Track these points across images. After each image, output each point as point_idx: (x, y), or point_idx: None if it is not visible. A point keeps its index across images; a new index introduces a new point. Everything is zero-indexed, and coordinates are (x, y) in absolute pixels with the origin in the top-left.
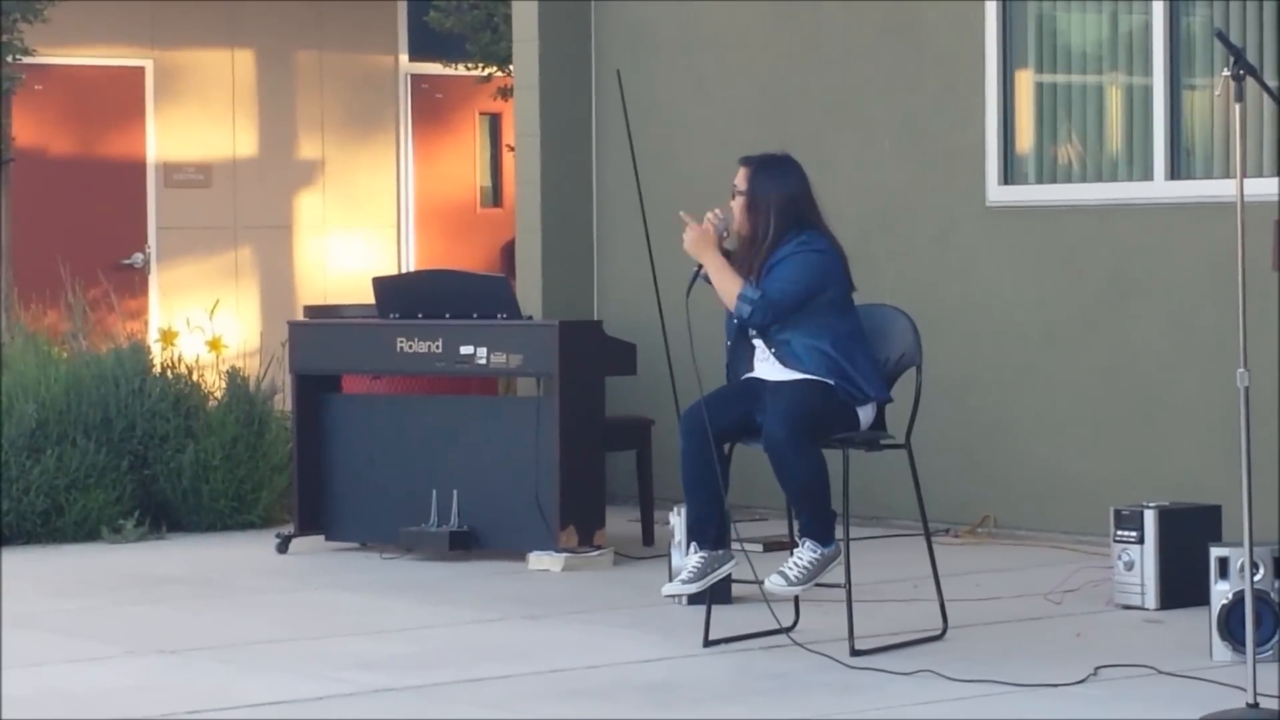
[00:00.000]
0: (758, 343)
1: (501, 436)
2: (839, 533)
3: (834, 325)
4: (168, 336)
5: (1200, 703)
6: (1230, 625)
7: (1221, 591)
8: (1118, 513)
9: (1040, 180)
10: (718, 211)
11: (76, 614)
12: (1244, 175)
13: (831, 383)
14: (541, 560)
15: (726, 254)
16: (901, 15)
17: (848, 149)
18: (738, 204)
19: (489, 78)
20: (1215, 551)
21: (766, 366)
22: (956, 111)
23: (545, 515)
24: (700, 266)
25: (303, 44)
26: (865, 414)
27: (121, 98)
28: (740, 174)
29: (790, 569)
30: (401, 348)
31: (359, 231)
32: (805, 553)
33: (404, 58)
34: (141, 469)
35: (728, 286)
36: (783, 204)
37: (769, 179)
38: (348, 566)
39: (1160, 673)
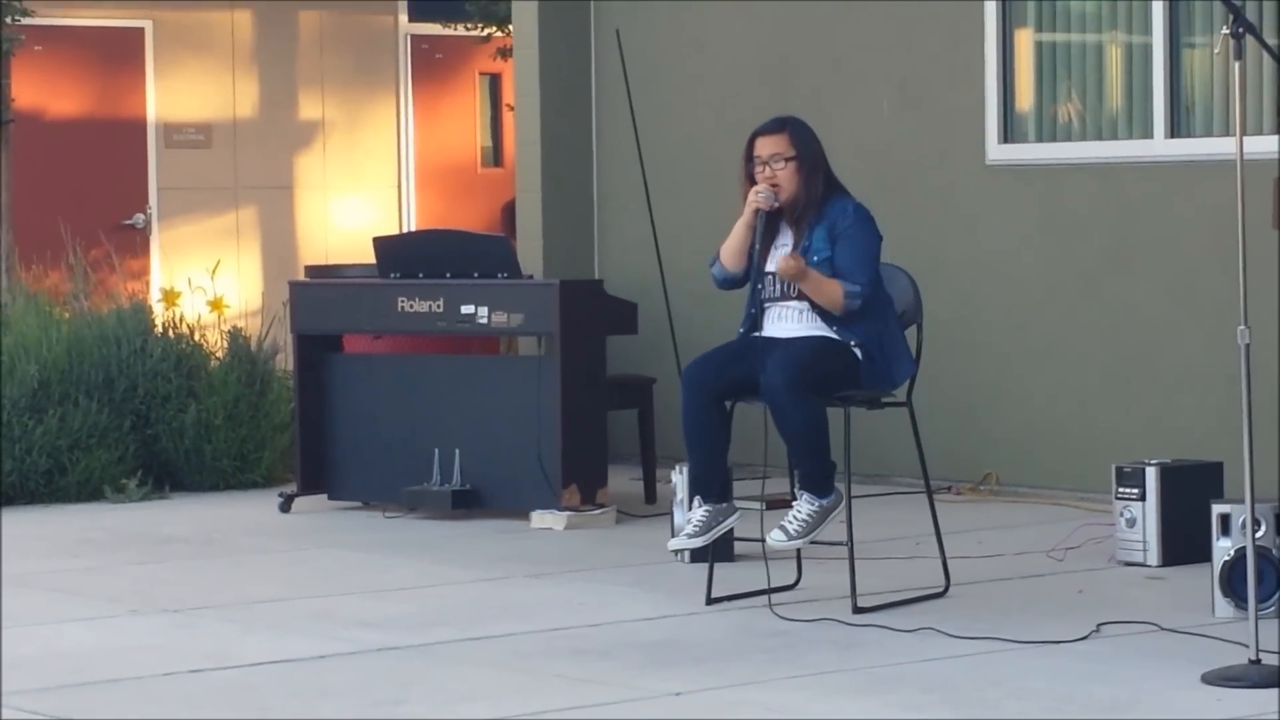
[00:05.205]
0: (774, 305)
1: (503, 395)
2: (842, 490)
3: (881, 293)
4: (169, 297)
5: (1202, 659)
6: (1232, 582)
7: (1223, 548)
8: (1119, 470)
9: (1040, 139)
10: (759, 190)
11: (79, 574)
12: (1244, 133)
13: (854, 348)
14: (544, 519)
15: (768, 221)
16: None
17: (848, 108)
18: (790, 170)
19: (488, 38)
20: (1217, 508)
21: (780, 325)
22: (956, 70)
23: (547, 474)
24: (765, 212)
25: (302, 4)
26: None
27: (121, 58)
28: (776, 142)
29: (790, 523)
30: (403, 307)
31: (360, 191)
32: (803, 505)
33: (404, 18)
34: (144, 429)
35: (828, 291)
36: (823, 160)
37: (809, 139)
38: (350, 526)
39: (1162, 629)
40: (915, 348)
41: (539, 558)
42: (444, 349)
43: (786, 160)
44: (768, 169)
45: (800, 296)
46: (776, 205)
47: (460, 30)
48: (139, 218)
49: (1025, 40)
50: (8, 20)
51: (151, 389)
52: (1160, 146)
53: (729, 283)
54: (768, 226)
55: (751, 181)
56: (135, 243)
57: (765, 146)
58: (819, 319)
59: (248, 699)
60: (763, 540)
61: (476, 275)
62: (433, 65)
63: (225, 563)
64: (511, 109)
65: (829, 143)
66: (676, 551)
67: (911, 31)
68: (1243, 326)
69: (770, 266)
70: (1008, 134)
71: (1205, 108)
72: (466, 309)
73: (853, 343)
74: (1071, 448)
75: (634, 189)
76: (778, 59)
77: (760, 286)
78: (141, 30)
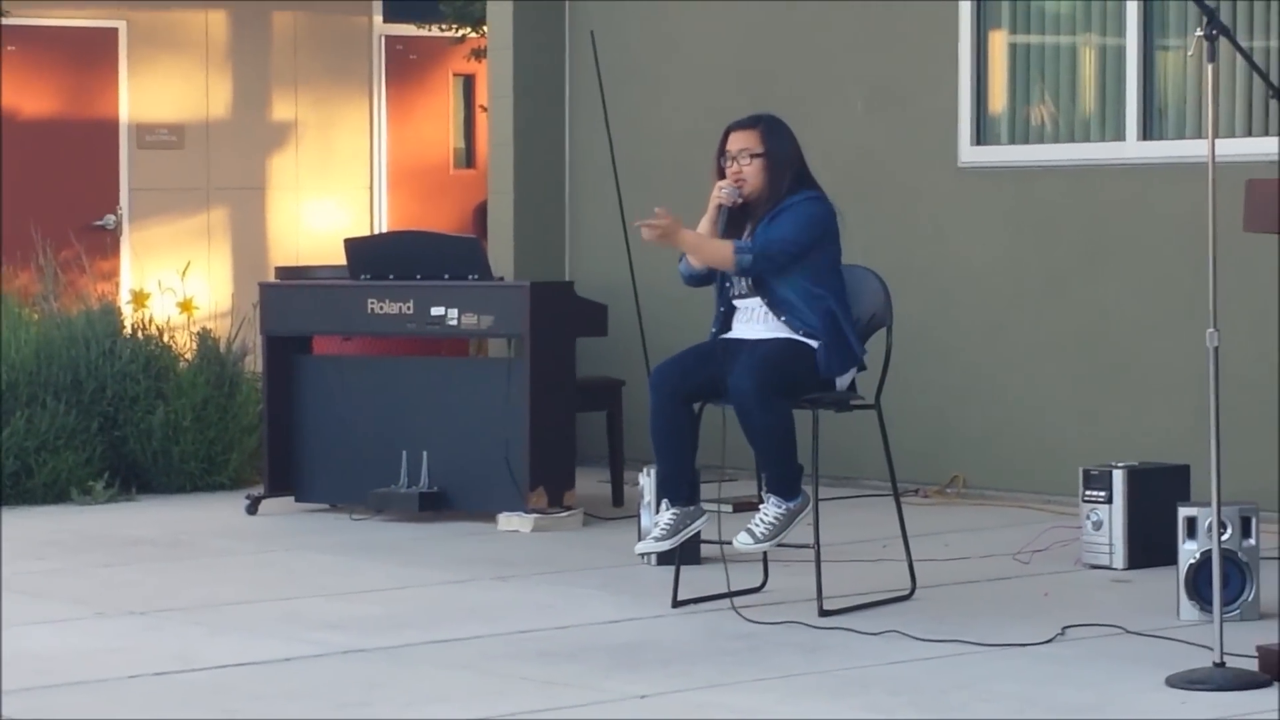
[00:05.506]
0: (740, 303)
1: (472, 398)
2: (810, 493)
3: (830, 282)
4: (139, 298)
5: (1167, 662)
6: (1198, 585)
7: (1189, 551)
8: (1086, 473)
9: (1013, 141)
10: (721, 185)
11: (46, 576)
12: (1216, 135)
13: (811, 343)
14: (511, 521)
15: (733, 217)
16: None
17: (821, 110)
18: (756, 166)
19: (463, 39)
20: (1183, 511)
21: (748, 327)
22: (929, 72)
23: (515, 476)
24: (728, 208)
25: (276, 4)
26: (842, 376)
27: (94, 58)
28: (746, 137)
29: (756, 525)
30: (373, 309)
31: (332, 193)
32: (770, 508)
33: (378, 19)
34: (111, 430)
35: (715, 251)
36: (795, 160)
37: (781, 137)
38: (317, 528)
39: (1128, 632)
40: (885, 350)
41: (506, 560)
42: (414, 351)
43: (753, 156)
44: (735, 164)
45: (760, 293)
46: (739, 201)
47: (434, 31)
48: (110, 218)
49: (999, 42)
50: None
51: (120, 391)
52: (1133, 149)
53: (695, 279)
54: (733, 222)
55: (722, 175)
56: (105, 244)
57: (735, 141)
58: (769, 318)
59: (214, 701)
60: (720, 542)
61: (447, 277)
62: (406, 66)
63: (192, 565)
64: (485, 110)
65: (802, 144)
66: (644, 554)
67: (885, 33)
68: (1212, 330)
69: None
70: (980, 136)
71: (1178, 110)
72: (436, 311)
73: (801, 332)
74: (1039, 451)
75: (606, 191)
76: (752, 61)
77: (728, 285)
78: (115, 30)
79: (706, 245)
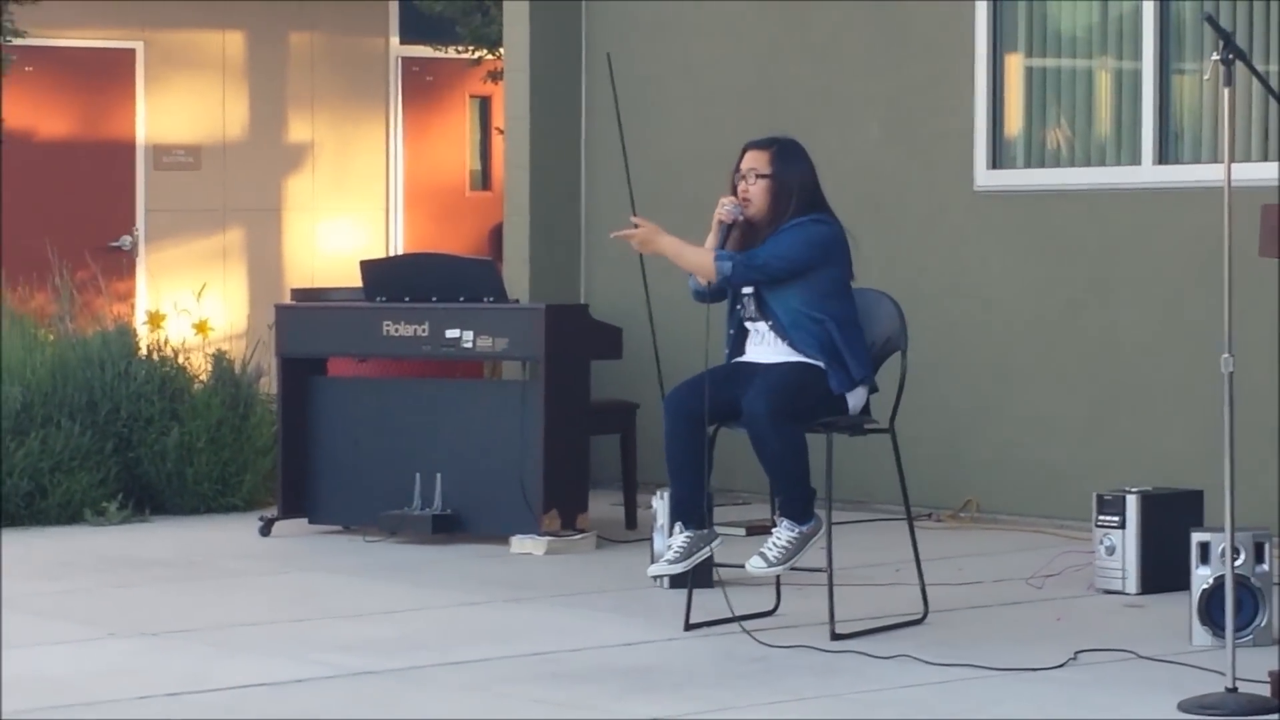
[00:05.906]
0: (751, 326)
1: (486, 420)
2: (823, 517)
3: (831, 305)
4: (155, 319)
5: (1180, 687)
6: (1210, 610)
7: (1202, 576)
8: (1099, 497)
9: (1029, 165)
10: (724, 202)
11: (59, 596)
12: (1232, 160)
13: (821, 365)
14: (524, 544)
15: (742, 236)
16: None
17: (836, 133)
18: (760, 186)
19: (479, 61)
20: (1196, 536)
21: (760, 350)
22: (945, 96)
23: (528, 499)
24: (728, 225)
25: (293, 26)
26: (854, 399)
27: (112, 79)
28: (757, 157)
29: (769, 549)
30: (387, 331)
31: (348, 214)
32: (783, 532)
33: (395, 40)
34: (126, 451)
35: (696, 258)
36: (806, 186)
37: (793, 162)
38: (331, 549)
39: (1140, 657)
40: (899, 374)
41: (519, 582)
42: (428, 373)
43: (759, 177)
44: (745, 182)
45: (765, 316)
46: (740, 219)
47: (451, 53)
48: (126, 239)
49: (1015, 65)
50: None
51: (134, 412)
52: (1148, 173)
53: (699, 295)
54: (744, 242)
55: (735, 192)
56: (122, 264)
57: (748, 160)
58: (780, 341)
59: None
60: (718, 564)
61: (462, 299)
62: (423, 88)
63: (205, 586)
64: (501, 132)
65: (817, 167)
66: (656, 577)
67: (901, 56)
68: (1227, 355)
69: (746, 289)
70: (996, 160)
71: (1194, 134)
72: (451, 333)
73: (806, 354)
74: (1052, 475)
75: (621, 213)
76: (767, 83)
77: (739, 307)
78: (132, 51)
79: (688, 253)
